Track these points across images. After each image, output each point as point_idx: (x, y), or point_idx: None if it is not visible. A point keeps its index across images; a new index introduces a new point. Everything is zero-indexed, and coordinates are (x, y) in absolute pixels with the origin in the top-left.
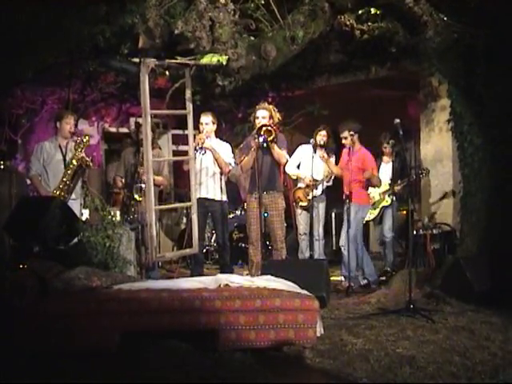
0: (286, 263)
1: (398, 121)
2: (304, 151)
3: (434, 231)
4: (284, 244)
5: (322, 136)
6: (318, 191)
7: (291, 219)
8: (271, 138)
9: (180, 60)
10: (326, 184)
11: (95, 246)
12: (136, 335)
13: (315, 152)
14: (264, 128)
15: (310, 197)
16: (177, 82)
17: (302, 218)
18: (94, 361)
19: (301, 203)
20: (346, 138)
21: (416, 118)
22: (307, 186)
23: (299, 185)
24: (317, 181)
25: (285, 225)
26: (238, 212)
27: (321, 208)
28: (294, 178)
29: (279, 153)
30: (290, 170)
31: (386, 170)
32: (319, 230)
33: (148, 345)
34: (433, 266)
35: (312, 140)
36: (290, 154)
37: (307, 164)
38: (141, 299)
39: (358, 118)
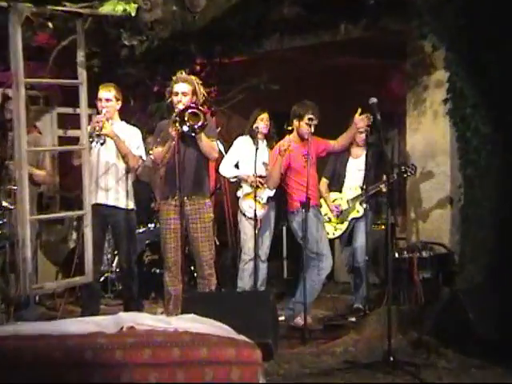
0: (217, 297)
1: (374, 100)
2: (244, 144)
3: (424, 254)
4: (213, 270)
5: (264, 122)
6: (266, 194)
7: (225, 236)
8: (198, 124)
9: (69, 7)
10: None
11: None
12: None
13: (257, 144)
14: (189, 110)
15: (264, 201)
16: (65, 40)
17: (249, 234)
18: None
19: (253, 213)
20: (309, 124)
21: (401, 96)
22: (255, 185)
23: (244, 189)
24: (263, 177)
25: (216, 243)
26: (151, 225)
27: (271, 218)
28: (234, 180)
29: (208, 144)
30: (227, 170)
31: (355, 167)
32: (265, 248)
33: None
34: (421, 303)
35: (255, 127)
36: (227, 146)
37: (248, 161)
38: (7, 350)
39: (320, 96)
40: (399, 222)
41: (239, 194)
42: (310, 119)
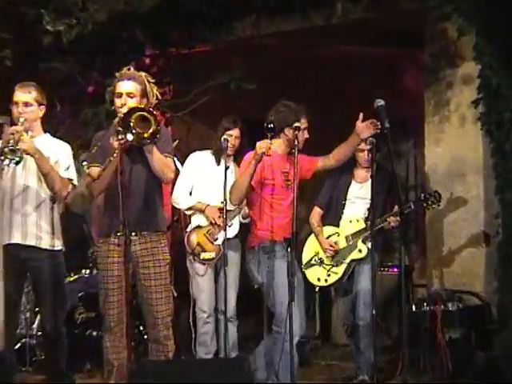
0: (175, 367)
1: (381, 102)
2: (202, 162)
3: (451, 306)
4: (171, 331)
5: (232, 140)
6: (230, 231)
7: (186, 285)
8: (149, 133)
9: None
10: (242, 219)
11: None
12: None
13: (223, 164)
14: (136, 114)
15: (218, 241)
16: None
17: (203, 283)
18: None
19: (204, 255)
20: (296, 134)
21: (417, 97)
22: (213, 222)
23: (195, 221)
24: (229, 211)
25: (174, 294)
26: (85, 271)
27: (236, 260)
28: (190, 213)
29: (162, 161)
30: (182, 198)
31: (359, 194)
32: (231, 302)
33: None
34: (448, 372)
35: (223, 139)
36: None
37: (209, 185)
38: None
39: (310, 98)
40: (417, 265)
41: (189, 228)
42: (305, 128)
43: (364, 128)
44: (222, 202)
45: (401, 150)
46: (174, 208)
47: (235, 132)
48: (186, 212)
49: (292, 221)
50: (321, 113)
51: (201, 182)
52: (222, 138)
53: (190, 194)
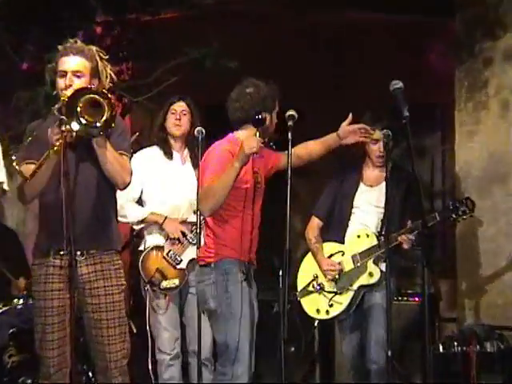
0: None
1: (398, 85)
2: (150, 160)
3: (489, 347)
4: (127, 377)
5: (174, 118)
6: (193, 251)
7: (144, 317)
8: (101, 122)
9: None
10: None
11: None
12: None
13: (178, 158)
14: (84, 98)
15: (182, 264)
16: None
17: (165, 318)
18: None
19: (165, 283)
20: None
21: (446, 78)
22: (176, 238)
23: (150, 240)
24: (193, 224)
25: (133, 330)
26: (18, 301)
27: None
28: (138, 227)
29: (117, 160)
30: (129, 211)
31: (369, 201)
32: (207, 341)
33: None
34: None
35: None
36: None
37: (163, 188)
38: None
39: (311, 79)
40: (444, 292)
41: (141, 247)
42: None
43: (349, 132)
44: (194, 212)
45: (424, 145)
46: None
47: (179, 106)
48: (135, 227)
49: (285, 235)
50: (321, 98)
51: (153, 185)
52: (196, 131)
53: (140, 203)
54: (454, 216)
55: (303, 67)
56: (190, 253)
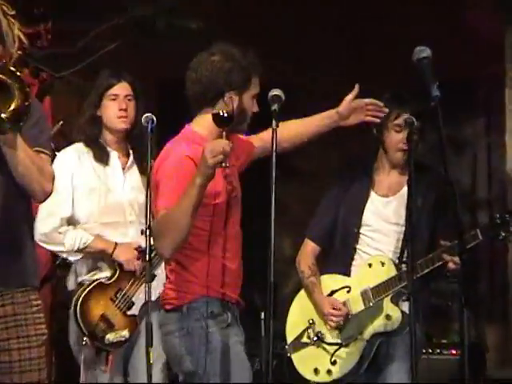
0: None
1: (425, 53)
2: (77, 164)
3: None
4: None
5: (116, 104)
6: (155, 287)
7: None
8: (8, 111)
9: None
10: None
11: None
12: None
13: (115, 161)
14: None
15: (134, 309)
16: None
17: (105, 379)
18: None
19: (111, 336)
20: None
21: (491, 46)
22: (130, 270)
23: (82, 272)
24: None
25: None
26: None
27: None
28: (77, 258)
29: (31, 160)
30: (56, 235)
31: (384, 215)
32: None
33: None
34: None
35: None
36: None
37: (98, 206)
38: None
39: (302, 47)
40: (492, 342)
41: (70, 284)
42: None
43: (352, 110)
44: (141, 232)
45: (462, 136)
46: None
47: (122, 88)
48: (71, 258)
49: (268, 263)
50: (322, 74)
51: (85, 198)
52: (144, 117)
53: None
54: (503, 234)
55: (297, 31)
56: (143, 293)
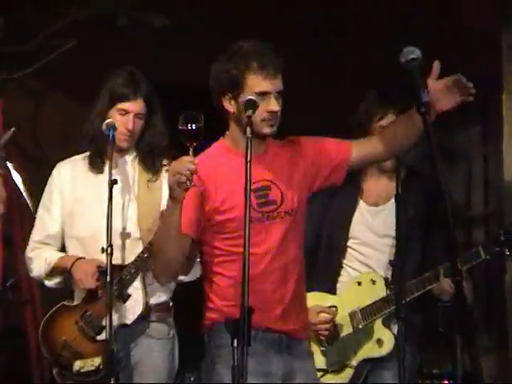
0: None
1: (414, 55)
2: (70, 180)
3: None
4: None
5: (131, 116)
6: (130, 310)
7: None
8: None
9: None
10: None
11: None
12: None
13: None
14: None
15: (103, 335)
16: None
17: None
18: None
19: (78, 365)
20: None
21: (486, 42)
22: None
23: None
24: (125, 267)
25: None
26: None
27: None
28: (53, 282)
29: None
30: (35, 262)
31: (374, 227)
32: None
33: None
34: None
35: (107, 124)
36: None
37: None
38: None
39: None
40: (488, 370)
41: None
42: (279, 92)
43: (444, 92)
44: (102, 250)
45: (456, 145)
46: (5, 266)
47: (134, 105)
48: (47, 283)
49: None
50: (312, 74)
51: (73, 211)
52: (105, 124)
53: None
54: (508, 252)
55: (275, 23)
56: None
